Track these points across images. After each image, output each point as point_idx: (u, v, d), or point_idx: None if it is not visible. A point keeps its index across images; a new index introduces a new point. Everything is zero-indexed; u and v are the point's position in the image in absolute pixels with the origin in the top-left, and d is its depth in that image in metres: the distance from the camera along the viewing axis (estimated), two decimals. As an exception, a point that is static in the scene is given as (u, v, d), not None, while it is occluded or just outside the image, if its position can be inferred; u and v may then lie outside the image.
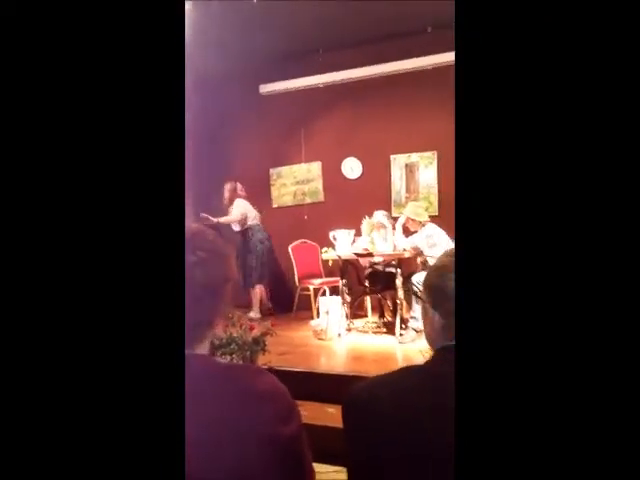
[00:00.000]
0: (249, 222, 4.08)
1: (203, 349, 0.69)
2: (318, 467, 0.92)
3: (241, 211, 4.04)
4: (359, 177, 4.57)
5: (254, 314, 3.90)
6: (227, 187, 4.14)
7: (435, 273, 0.75)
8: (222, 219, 4.03)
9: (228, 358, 2.45)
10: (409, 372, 0.72)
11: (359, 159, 4.55)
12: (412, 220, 3.36)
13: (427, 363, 0.73)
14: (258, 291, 4.10)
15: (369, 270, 3.69)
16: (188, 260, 0.63)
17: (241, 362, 2.46)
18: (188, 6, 3.02)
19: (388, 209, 4.20)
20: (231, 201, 4.08)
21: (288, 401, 0.67)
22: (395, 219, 3.64)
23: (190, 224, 0.71)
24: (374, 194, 4.34)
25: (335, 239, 3.57)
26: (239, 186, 4.13)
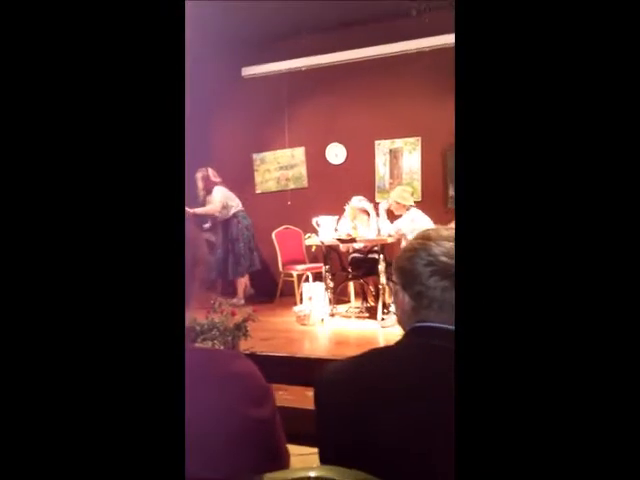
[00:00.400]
0: (233, 209, 3.96)
1: None
2: (300, 449, 0.93)
3: (221, 199, 3.87)
4: (343, 162, 4.55)
5: (237, 300, 3.88)
6: (198, 175, 3.89)
7: (405, 255, 0.75)
8: (200, 210, 3.84)
9: (210, 344, 2.45)
10: (376, 354, 0.74)
11: (343, 144, 4.52)
12: (397, 204, 3.37)
13: (395, 344, 0.74)
14: (244, 279, 4.05)
15: (352, 256, 3.71)
16: None
17: (222, 347, 2.47)
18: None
19: (372, 195, 4.20)
20: (207, 190, 3.88)
21: (262, 384, 0.68)
22: (377, 205, 3.65)
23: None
24: (358, 180, 4.33)
25: (318, 225, 3.57)
26: (211, 172, 3.91)
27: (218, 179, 3.95)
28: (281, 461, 0.70)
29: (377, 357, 0.73)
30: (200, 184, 3.91)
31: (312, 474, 0.60)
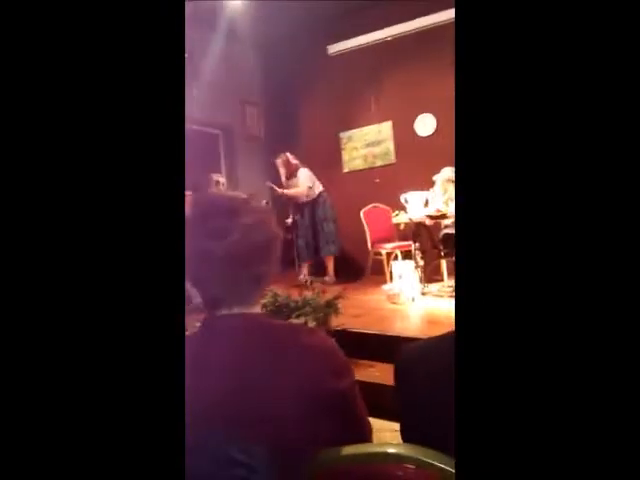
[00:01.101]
0: (318, 189, 4.02)
1: (256, 306, 0.74)
2: (391, 425, 0.93)
3: (308, 182, 3.94)
4: (432, 134, 4.32)
5: (329, 279, 3.96)
6: (279, 162, 4.00)
7: None
8: (290, 191, 3.95)
9: (303, 319, 2.56)
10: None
11: (433, 114, 4.28)
12: None
13: None
14: (332, 258, 4.12)
15: (443, 232, 3.54)
16: (239, 225, 0.69)
17: (315, 324, 2.56)
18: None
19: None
20: (290, 173, 3.97)
21: (340, 357, 0.71)
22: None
23: (236, 193, 0.77)
24: (449, 150, 4.07)
25: (407, 202, 3.46)
26: (290, 156, 4.00)
27: (297, 161, 4.02)
28: (361, 433, 0.71)
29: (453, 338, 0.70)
30: (282, 170, 4.01)
31: (390, 450, 0.60)
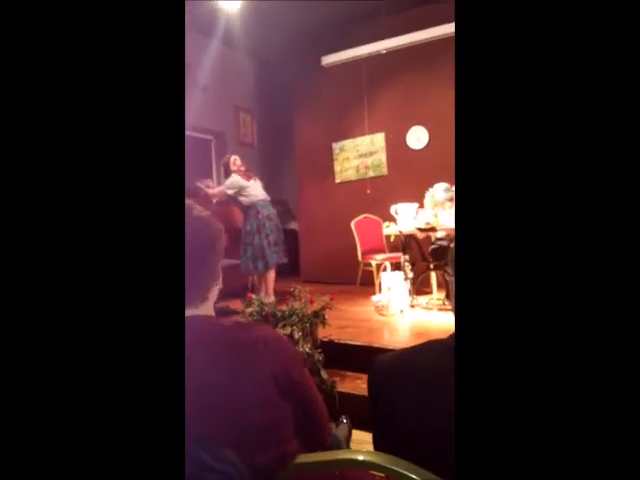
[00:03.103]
0: (250, 196, 3.69)
1: (208, 308, 0.75)
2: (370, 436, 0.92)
3: (229, 186, 3.66)
4: (425, 147, 4.36)
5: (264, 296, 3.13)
6: (223, 161, 3.76)
7: None
8: (210, 190, 3.75)
9: (289, 329, 2.53)
10: (430, 346, 0.72)
11: (425, 127, 4.32)
12: None
13: (450, 337, 0.70)
14: (272, 274, 3.66)
15: (433, 246, 3.55)
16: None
17: (301, 334, 2.53)
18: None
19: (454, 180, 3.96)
20: (226, 176, 3.77)
21: (289, 347, 0.73)
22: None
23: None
24: (441, 164, 4.11)
25: (397, 213, 3.47)
26: (233, 160, 3.76)
27: (237, 167, 3.76)
28: (320, 421, 0.72)
29: (432, 349, 0.71)
30: (222, 170, 3.82)
31: (360, 457, 0.58)
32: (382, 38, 4.12)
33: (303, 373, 0.70)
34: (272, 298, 3.30)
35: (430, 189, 3.47)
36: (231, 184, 3.72)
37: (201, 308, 0.72)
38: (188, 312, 0.70)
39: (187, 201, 0.75)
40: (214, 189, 3.87)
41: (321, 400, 0.74)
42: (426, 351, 0.71)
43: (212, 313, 0.76)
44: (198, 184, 3.75)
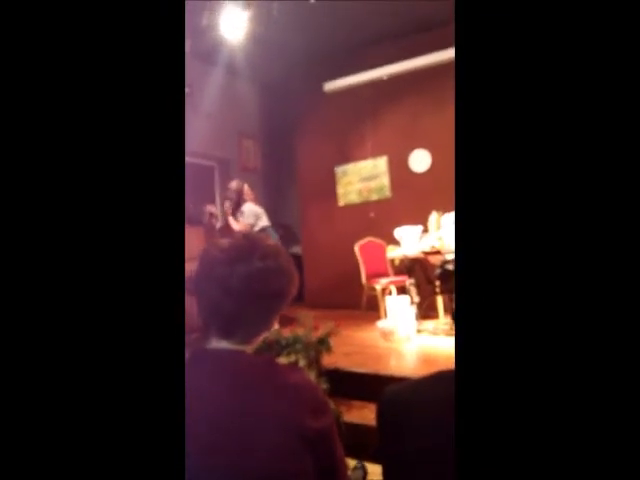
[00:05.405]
0: (261, 223, 3.78)
1: (250, 348, 0.74)
2: (379, 468, 0.88)
3: (251, 219, 3.73)
4: (428, 170, 4.37)
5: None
6: (232, 187, 3.81)
7: None
8: (235, 224, 3.72)
9: (293, 357, 2.47)
10: (441, 377, 0.69)
11: (428, 150, 4.34)
12: None
13: None
14: None
15: (439, 269, 3.49)
16: (254, 265, 0.69)
17: (305, 362, 2.47)
18: (247, 15, 3.10)
19: (460, 203, 3.94)
20: (238, 204, 3.79)
21: (320, 396, 0.70)
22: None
23: (250, 229, 0.79)
24: (443, 188, 4.11)
25: (401, 237, 3.44)
26: (245, 186, 3.82)
27: (248, 193, 3.84)
28: (336, 475, 0.69)
29: (443, 381, 0.67)
30: (233, 197, 3.80)
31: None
32: (383, 64, 4.19)
33: (324, 423, 0.67)
34: (275, 325, 3.25)
35: (434, 212, 3.45)
36: (250, 213, 3.82)
37: (239, 347, 0.72)
38: (222, 344, 0.70)
39: (272, 242, 0.75)
40: (238, 224, 3.81)
41: (342, 452, 0.71)
42: (439, 384, 0.68)
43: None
44: (208, 209, 3.78)
